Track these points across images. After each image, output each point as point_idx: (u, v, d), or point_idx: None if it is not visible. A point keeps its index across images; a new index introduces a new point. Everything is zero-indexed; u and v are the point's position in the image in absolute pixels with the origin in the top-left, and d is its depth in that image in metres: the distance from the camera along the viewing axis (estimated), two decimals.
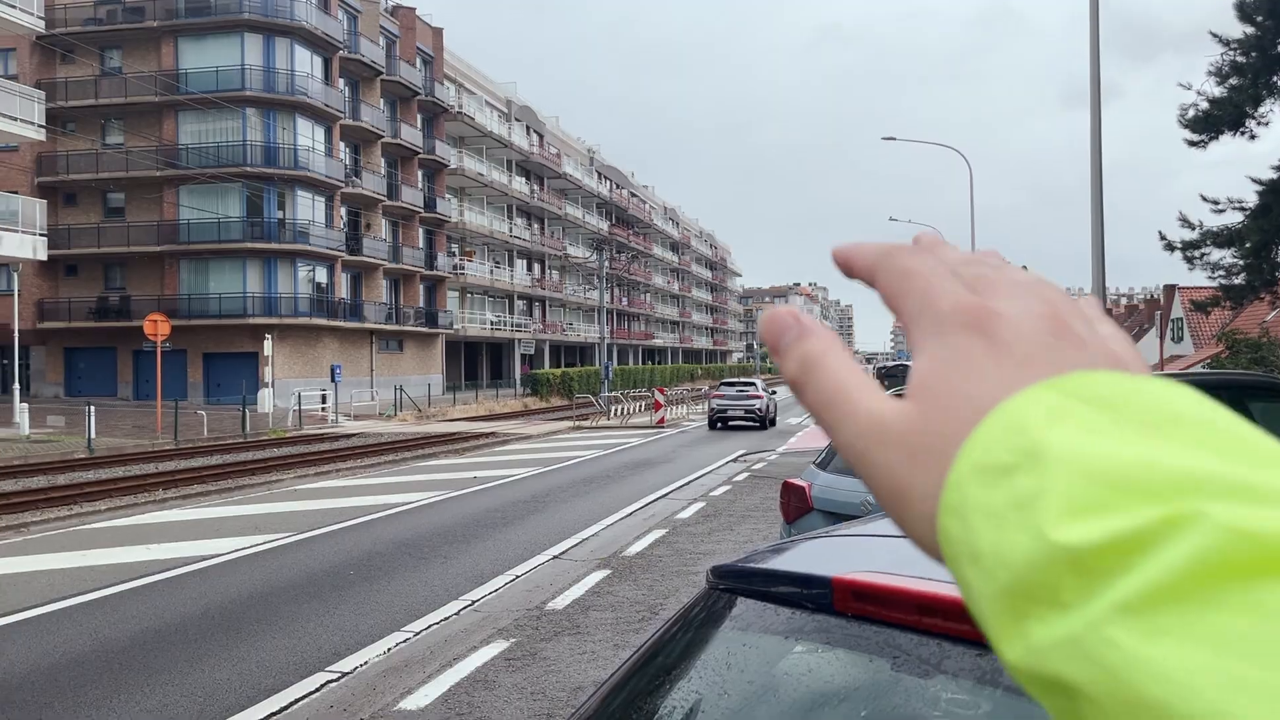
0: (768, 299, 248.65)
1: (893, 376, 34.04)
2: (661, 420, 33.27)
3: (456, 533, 12.10)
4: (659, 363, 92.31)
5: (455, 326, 55.58)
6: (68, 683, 6.42)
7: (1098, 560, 0.29)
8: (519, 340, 62.17)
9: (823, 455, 6.81)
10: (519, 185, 65.22)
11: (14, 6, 27.68)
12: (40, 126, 29.23)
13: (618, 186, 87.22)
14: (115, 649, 7.21)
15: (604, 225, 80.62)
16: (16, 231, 27.71)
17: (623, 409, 37.47)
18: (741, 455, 22.17)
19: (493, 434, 29.20)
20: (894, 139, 39.69)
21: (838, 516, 5.65)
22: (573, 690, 6.04)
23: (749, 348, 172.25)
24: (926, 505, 0.35)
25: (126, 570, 9.91)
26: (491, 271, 61.66)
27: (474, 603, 8.51)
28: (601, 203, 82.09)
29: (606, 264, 54.28)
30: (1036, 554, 0.30)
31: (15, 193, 31.69)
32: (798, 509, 6.33)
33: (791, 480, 6.59)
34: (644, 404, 38.08)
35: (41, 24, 29.86)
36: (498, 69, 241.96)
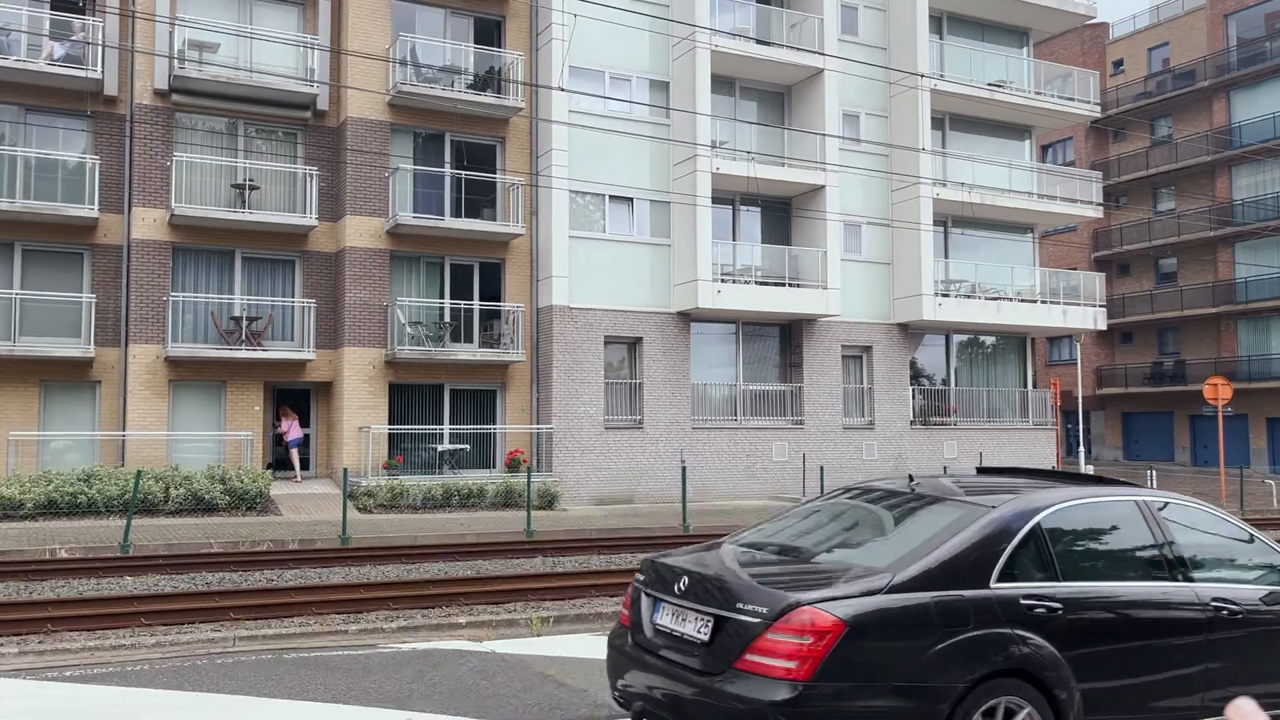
0: None
1: None
2: None
3: None
4: None
5: None
6: None
7: None
8: None
9: None
10: None
11: (1073, 99, 30.30)
12: (1097, 205, 31.23)
13: None
14: None
15: None
16: (1078, 305, 29.93)
17: None
18: None
19: None
20: None
21: None
22: None
23: None
24: None
25: None
26: None
27: None
28: None
29: None
30: None
31: (1074, 269, 34.29)
32: None
33: None
34: None
35: (1097, 110, 32.01)
36: None
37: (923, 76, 26.30)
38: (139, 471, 16.89)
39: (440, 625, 10.03)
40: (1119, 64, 45.09)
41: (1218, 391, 27.43)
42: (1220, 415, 28.54)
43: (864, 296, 27.39)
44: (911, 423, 27.84)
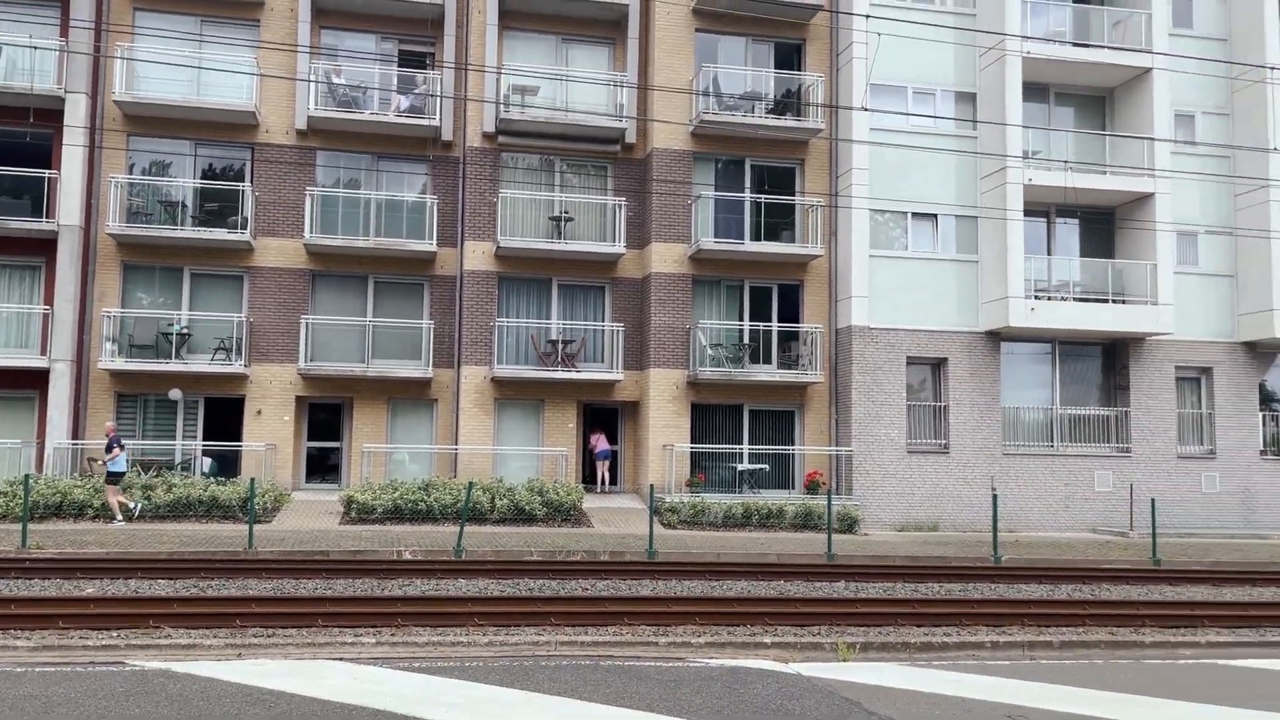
0: None
1: None
2: None
3: None
4: None
5: None
6: None
7: None
8: None
9: None
10: None
11: None
12: None
13: None
14: None
15: None
16: None
17: None
18: None
19: None
20: None
21: None
22: None
23: None
24: None
25: None
26: None
27: None
28: None
29: None
30: None
31: None
32: None
33: None
34: None
35: None
36: None
37: (1273, 69, 23.55)
38: (470, 483, 18.44)
39: (746, 644, 10.18)
40: None
41: None
42: None
43: (1202, 313, 24.86)
44: (1263, 453, 24.86)
